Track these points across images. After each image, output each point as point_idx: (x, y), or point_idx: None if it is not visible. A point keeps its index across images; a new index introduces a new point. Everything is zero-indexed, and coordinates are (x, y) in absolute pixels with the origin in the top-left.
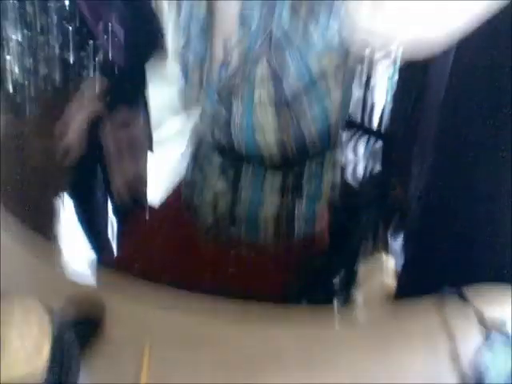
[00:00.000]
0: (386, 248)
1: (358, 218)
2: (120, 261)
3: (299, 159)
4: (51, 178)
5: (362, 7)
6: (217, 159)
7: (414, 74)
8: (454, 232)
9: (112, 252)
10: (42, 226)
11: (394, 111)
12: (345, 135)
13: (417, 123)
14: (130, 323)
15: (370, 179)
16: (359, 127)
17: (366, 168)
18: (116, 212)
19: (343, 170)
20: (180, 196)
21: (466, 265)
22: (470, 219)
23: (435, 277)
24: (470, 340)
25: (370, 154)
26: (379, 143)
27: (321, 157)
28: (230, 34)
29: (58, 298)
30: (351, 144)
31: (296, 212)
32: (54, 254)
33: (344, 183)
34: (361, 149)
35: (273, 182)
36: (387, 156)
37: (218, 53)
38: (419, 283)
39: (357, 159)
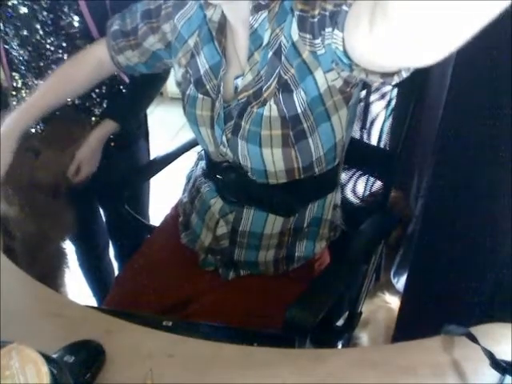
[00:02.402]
0: (389, 287)
1: (360, 252)
2: (120, 298)
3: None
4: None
5: (359, 26)
6: (218, 203)
7: (414, 77)
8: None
9: (112, 292)
10: (43, 271)
11: (394, 119)
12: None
13: (418, 130)
14: (130, 370)
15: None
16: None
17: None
18: (116, 250)
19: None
20: (180, 243)
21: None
22: (476, 256)
23: (440, 314)
24: (482, 380)
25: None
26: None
27: (322, 199)
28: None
29: (57, 344)
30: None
31: (296, 253)
32: (54, 297)
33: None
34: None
35: (273, 226)
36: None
37: (227, 92)
38: (424, 321)
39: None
